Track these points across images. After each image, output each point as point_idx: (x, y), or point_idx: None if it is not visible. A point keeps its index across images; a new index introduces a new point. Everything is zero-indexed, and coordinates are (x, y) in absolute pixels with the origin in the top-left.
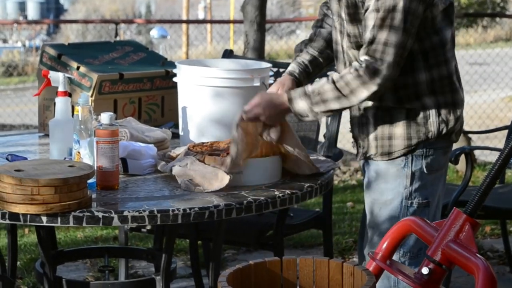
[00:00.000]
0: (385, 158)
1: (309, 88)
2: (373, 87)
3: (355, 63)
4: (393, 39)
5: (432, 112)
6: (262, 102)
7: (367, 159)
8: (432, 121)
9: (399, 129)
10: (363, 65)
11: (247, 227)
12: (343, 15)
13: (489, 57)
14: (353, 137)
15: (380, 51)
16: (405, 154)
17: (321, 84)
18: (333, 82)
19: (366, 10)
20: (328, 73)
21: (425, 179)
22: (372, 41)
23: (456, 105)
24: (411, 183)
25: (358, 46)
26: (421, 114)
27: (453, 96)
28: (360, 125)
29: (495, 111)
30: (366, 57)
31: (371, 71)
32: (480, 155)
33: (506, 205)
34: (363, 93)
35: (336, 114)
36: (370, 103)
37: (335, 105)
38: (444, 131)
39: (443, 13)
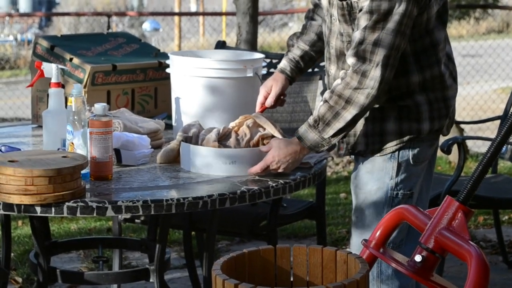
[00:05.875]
0: (377, 155)
1: (311, 118)
2: (366, 91)
3: (341, 72)
4: (385, 40)
5: (425, 108)
6: (275, 157)
7: (355, 154)
8: (425, 117)
9: (391, 125)
10: (350, 71)
11: (240, 217)
12: (336, 14)
13: (481, 49)
14: None
15: (369, 51)
16: (396, 149)
17: (318, 109)
18: (326, 101)
19: (360, 10)
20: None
21: (411, 170)
22: (361, 42)
23: (448, 100)
24: (398, 174)
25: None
26: (414, 110)
27: (443, 93)
28: None
29: (487, 103)
30: (353, 60)
31: (360, 74)
32: (473, 146)
33: (499, 195)
34: (359, 100)
35: (350, 130)
36: None
37: (339, 124)
38: (436, 127)
39: (436, 14)
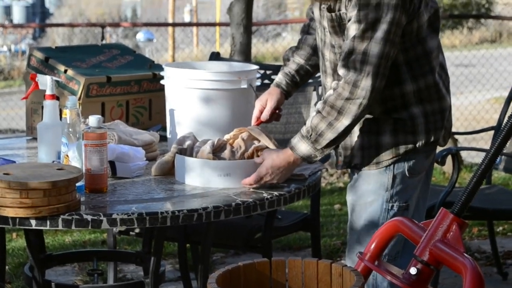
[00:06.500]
0: (373, 168)
1: (303, 129)
2: (358, 101)
3: (333, 83)
4: (374, 49)
5: (420, 121)
6: (268, 169)
7: (350, 168)
8: (420, 130)
9: (386, 138)
10: (341, 81)
11: (235, 230)
12: (326, 26)
13: (474, 59)
14: None
15: (359, 61)
16: (392, 162)
17: (311, 120)
18: (319, 111)
19: (348, 20)
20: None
21: (406, 182)
22: (351, 52)
23: (444, 112)
24: (393, 186)
25: None
26: (409, 123)
27: (440, 103)
28: None
29: (480, 113)
30: (344, 71)
31: (351, 84)
32: (467, 157)
33: (493, 206)
34: (351, 110)
35: (343, 140)
36: None
37: (331, 134)
38: (432, 139)
39: (427, 22)
